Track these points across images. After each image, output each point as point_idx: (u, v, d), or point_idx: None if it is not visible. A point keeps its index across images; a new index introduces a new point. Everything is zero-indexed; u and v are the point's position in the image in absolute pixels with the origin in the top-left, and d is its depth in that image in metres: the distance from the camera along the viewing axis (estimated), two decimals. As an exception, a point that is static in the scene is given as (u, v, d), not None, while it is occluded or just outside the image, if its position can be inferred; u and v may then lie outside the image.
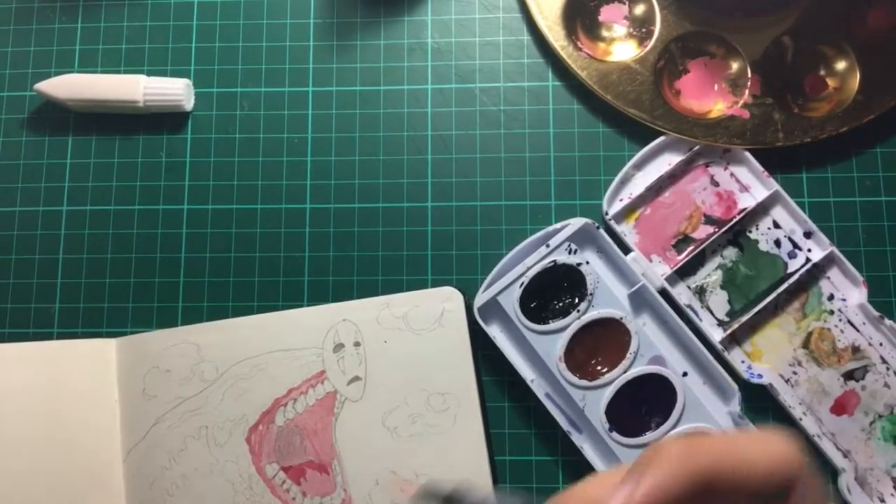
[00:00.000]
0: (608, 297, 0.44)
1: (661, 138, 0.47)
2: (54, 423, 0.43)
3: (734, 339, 0.45)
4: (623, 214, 0.47)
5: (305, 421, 0.43)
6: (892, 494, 0.43)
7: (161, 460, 0.42)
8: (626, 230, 0.46)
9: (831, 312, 0.45)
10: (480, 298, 0.44)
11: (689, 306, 0.45)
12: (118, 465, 0.43)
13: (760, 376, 0.44)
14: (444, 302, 0.44)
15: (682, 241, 0.46)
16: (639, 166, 0.47)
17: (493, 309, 0.45)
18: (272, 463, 0.42)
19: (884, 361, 0.44)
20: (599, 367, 0.43)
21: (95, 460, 0.43)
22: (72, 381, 0.43)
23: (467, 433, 0.42)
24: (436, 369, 0.43)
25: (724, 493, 0.22)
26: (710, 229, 0.46)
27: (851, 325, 0.45)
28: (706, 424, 0.42)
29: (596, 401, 0.43)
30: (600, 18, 0.49)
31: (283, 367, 0.43)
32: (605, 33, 0.49)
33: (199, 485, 0.42)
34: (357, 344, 0.43)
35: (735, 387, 0.43)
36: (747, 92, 0.47)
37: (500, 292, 0.44)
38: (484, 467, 0.42)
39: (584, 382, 0.43)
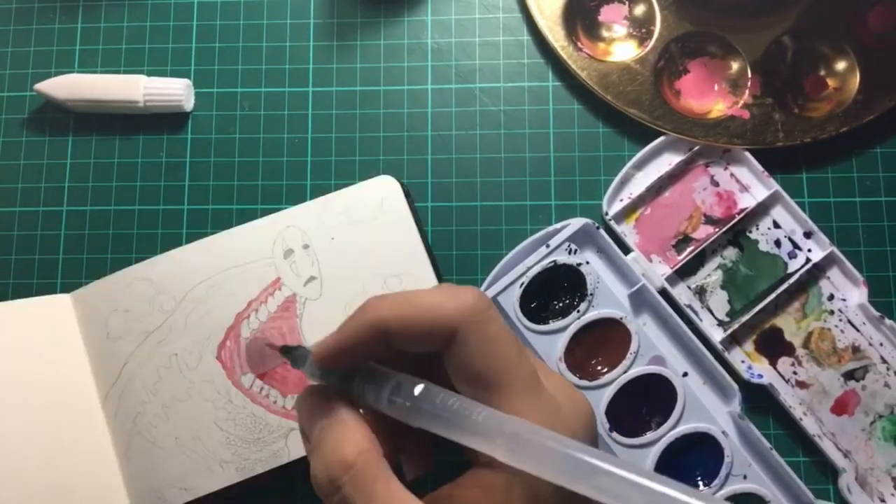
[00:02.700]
0: (608, 297, 0.44)
1: (661, 138, 0.47)
2: (26, 385, 0.43)
3: (734, 339, 0.45)
4: (623, 214, 0.47)
5: (271, 328, 0.43)
6: (893, 494, 0.43)
7: (139, 396, 0.43)
8: (626, 230, 0.46)
9: (831, 312, 0.45)
10: (480, 298, 0.44)
11: (690, 306, 0.45)
12: (98, 410, 0.43)
13: (761, 376, 0.44)
14: (381, 191, 0.45)
15: (682, 241, 0.46)
16: (639, 166, 0.47)
17: (494, 309, 0.45)
18: (247, 374, 0.43)
19: (884, 361, 0.44)
20: (599, 367, 0.43)
21: (74, 410, 0.43)
22: (33, 339, 0.44)
23: None
24: (387, 254, 0.44)
25: (397, 337, 0.27)
26: (710, 229, 0.46)
27: (851, 325, 0.45)
28: (707, 424, 0.42)
29: (596, 401, 0.43)
30: (600, 19, 0.49)
31: (238, 282, 0.44)
32: (605, 33, 0.49)
33: (181, 410, 0.43)
34: (306, 246, 0.44)
35: (735, 387, 0.43)
36: (747, 92, 0.47)
37: (500, 292, 0.44)
38: None
39: (585, 382, 0.43)
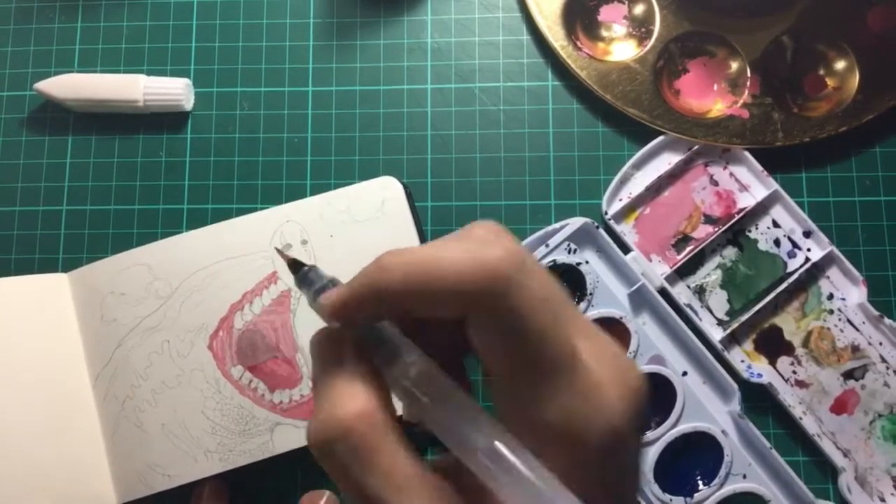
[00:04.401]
0: (608, 296, 0.44)
1: (661, 138, 0.47)
2: (18, 361, 0.43)
3: (734, 339, 0.45)
4: (622, 214, 0.47)
5: (264, 321, 0.44)
6: (893, 493, 0.43)
7: (129, 380, 0.43)
8: (626, 230, 0.46)
9: (831, 312, 0.45)
10: (480, 298, 0.44)
11: (689, 306, 0.45)
12: (88, 391, 0.44)
13: (760, 375, 0.44)
14: (384, 191, 0.45)
15: (682, 240, 0.46)
16: (638, 166, 0.47)
17: (493, 308, 0.45)
18: (237, 365, 0.43)
19: (883, 360, 0.44)
20: (599, 367, 0.43)
21: (65, 390, 0.43)
22: (29, 317, 0.44)
23: None
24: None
25: (407, 308, 0.23)
26: (710, 229, 0.46)
27: (851, 324, 0.45)
28: (706, 423, 0.42)
29: (596, 400, 0.43)
30: (600, 18, 0.49)
31: (234, 273, 0.44)
32: (604, 33, 0.49)
33: (169, 396, 0.43)
34: (304, 242, 0.44)
35: (735, 386, 0.43)
36: (747, 92, 0.47)
37: (499, 292, 0.44)
38: None
39: (584, 382, 0.43)
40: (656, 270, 0.45)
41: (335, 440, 0.23)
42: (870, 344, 0.44)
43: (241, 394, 0.43)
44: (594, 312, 0.43)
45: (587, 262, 0.44)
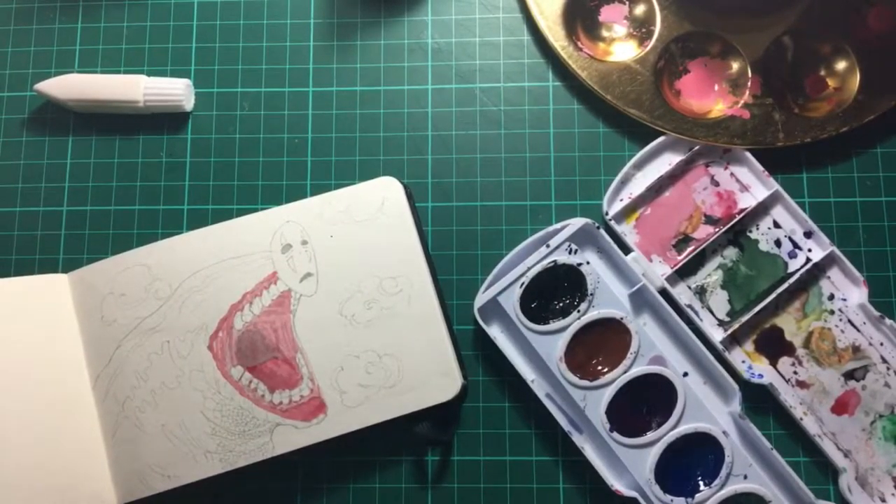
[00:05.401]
0: (608, 297, 0.44)
1: (662, 138, 0.47)
2: (18, 362, 0.43)
3: (735, 339, 0.45)
4: (623, 214, 0.47)
5: (264, 321, 0.44)
6: (893, 494, 0.43)
7: (129, 380, 0.44)
8: (627, 230, 0.46)
9: (832, 312, 0.45)
10: (480, 299, 0.44)
11: (690, 306, 0.45)
12: (88, 391, 0.44)
13: (761, 376, 0.44)
14: (384, 191, 0.45)
15: (683, 240, 0.46)
16: (639, 166, 0.47)
17: (494, 309, 0.45)
18: (237, 366, 0.43)
19: (884, 361, 0.44)
20: (600, 367, 0.43)
21: (65, 390, 0.44)
22: (29, 317, 0.44)
23: (423, 310, 0.43)
24: (384, 255, 0.44)
25: None
26: (711, 229, 0.46)
27: (852, 324, 0.45)
28: (707, 424, 0.42)
29: (596, 401, 0.43)
30: (600, 18, 0.49)
31: (234, 274, 0.44)
32: (605, 33, 0.49)
33: (169, 397, 0.43)
34: (304, 242, 0.44)
35: (736, 387, 0.43)
36: (747, 92, 0.47)
37: (500, 292, 0.44)
38: (443, 338, 0.43)
39: (585, 382, 0.43)
40: (657, 271, 0.45)
41: None
42: (870, 344, 0.44)
43: (240, 394, 0.43)
44: (595, 313, 0.43)
45: (588, 263, 0.44)
